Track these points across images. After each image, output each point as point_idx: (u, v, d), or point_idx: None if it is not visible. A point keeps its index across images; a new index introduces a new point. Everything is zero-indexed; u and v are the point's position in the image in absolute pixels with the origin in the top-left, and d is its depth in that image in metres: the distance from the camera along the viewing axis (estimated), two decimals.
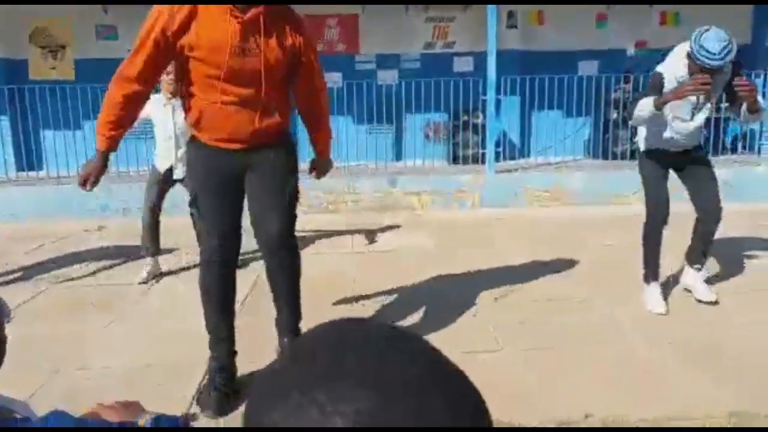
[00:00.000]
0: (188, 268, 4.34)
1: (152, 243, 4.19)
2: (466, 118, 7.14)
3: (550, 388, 2.48)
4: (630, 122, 3.42)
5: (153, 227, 4.18)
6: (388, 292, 3.72)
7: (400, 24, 7.84)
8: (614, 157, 6.94)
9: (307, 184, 6.37)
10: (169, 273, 4.28)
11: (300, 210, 6.12)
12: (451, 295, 3.64)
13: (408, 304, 3.52)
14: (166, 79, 3.92)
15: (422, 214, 6.15)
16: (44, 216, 5.95)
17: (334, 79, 7.55)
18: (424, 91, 6.94)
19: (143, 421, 1.05)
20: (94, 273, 4.33)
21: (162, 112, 4.06)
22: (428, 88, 6.92)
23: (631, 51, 7.80)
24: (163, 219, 4.23)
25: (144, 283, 4.06)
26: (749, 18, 7.86)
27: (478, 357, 2.79)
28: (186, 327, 3.23)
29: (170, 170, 4.12)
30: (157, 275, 4.21)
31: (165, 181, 4.16)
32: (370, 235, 5.20)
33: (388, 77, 7.80)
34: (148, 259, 4.20)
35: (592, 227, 5.32)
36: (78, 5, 7.35)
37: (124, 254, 4.82)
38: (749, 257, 4.27)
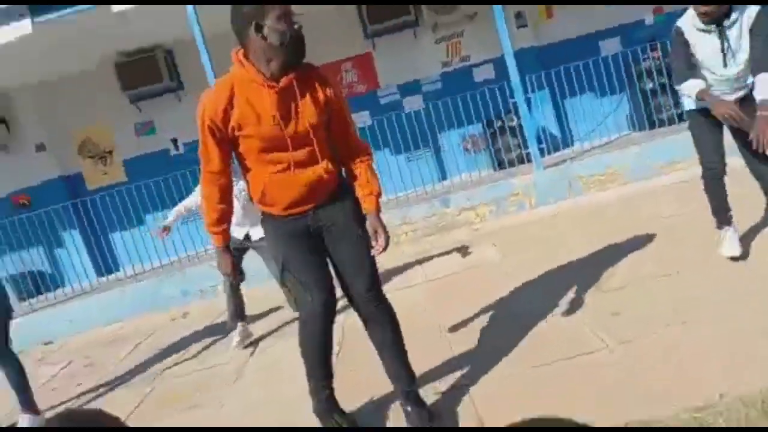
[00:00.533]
0: (274, 334, 4.47)
1: (238, 310, 4.40)
2: (500, 123, 7.14)
3: (670, 375, 2.43)
4: (678, 89, 3.38)
5: (236, 296, 4.40)
6: (474, 315, 3.73)
7: (412, 50, 7.97)
8: (661, 124, 6.79)
9: None
10: (260, 338, 4.41)
11: None
12: (534, 303, 3.62)
13: (498, 323, 3.51)
14: None
15: (481, 227, 6.14)
16: (133, 315, 6.24)
17: (362, 118, 7.73)
18: (452, 107, 7.01)
19: None
20: (190, 359, 4.49)
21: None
22: (455, 103, 6.98)
23: (650, 19, 7.68)
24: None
25: (240, 347, 4.28)
26: None
27: (585, 360, 2.76)
28: (295, 392, 3.31)
29: (247, 237, 4.35)
30: (251, 340, 4.39)
31: (240, 250, 4.35)
32: (463, 250, 5.27)
33: (413, 103, 7.91)
34: (238, 327, 4.39)
35: (654, 200, 5.20)
36: (113, 109, 7.81)
37: (212, 334, 4.99)
38: None
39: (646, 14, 7.73)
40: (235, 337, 4.39)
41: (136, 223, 7.02)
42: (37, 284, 7.24)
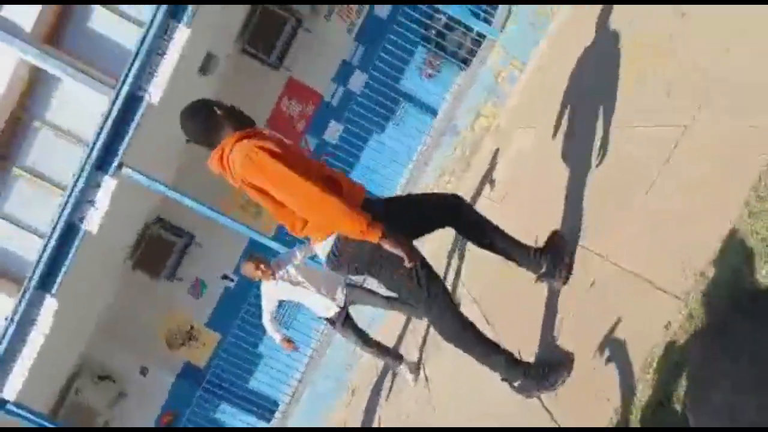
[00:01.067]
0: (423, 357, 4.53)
1: (388, 351, 4.66)
2: (434, 30, 6.88)
3: None
4: None
5: (376, 346, 4.65)
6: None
7: None
8: None
9: None
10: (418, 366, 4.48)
11: None
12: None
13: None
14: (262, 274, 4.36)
15: (497, 123, 5.95)
16: None
17: None
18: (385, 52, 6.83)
19: None
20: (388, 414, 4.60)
21: (288, 287, 4.44)
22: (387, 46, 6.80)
23: None
24: None
25: (416, 378, 4.41)
26: None
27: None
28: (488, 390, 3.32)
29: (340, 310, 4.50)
30: (419, 366, 4.52)
31: (343, 317, 4.52)
32: (491, 183, 5.09)
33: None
34: (402, 365, 4.57)
35: None
36: None
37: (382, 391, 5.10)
38: None
39: None
40: (406, 374, 4.52)
41: None
42: None
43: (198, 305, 8.24)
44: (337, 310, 4.46)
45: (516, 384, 2.58)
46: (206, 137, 2.52)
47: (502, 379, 2.63)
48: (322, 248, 2.54)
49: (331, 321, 4.54)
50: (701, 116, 2.34)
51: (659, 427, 1.80)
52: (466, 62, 6.91)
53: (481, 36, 6.38)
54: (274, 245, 6.20)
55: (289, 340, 4.77)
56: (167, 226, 7.77)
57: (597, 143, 3.08)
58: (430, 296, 2.53)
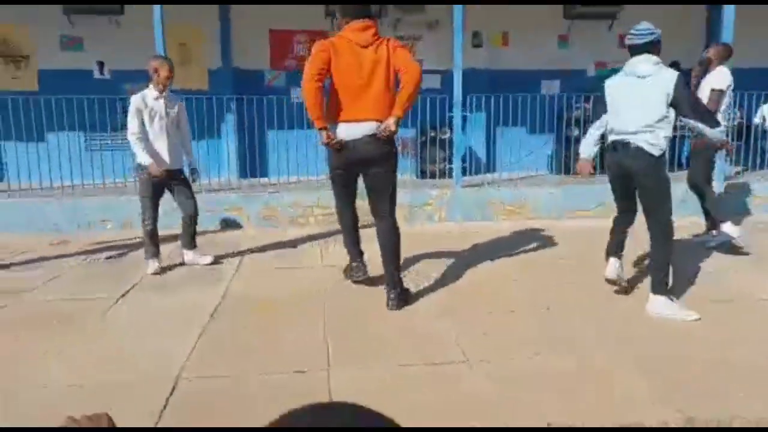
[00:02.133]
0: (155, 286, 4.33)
1: (155, 246, 4.58)
2: (433, 133, 7.27)
3: (513, 398, 2.57)
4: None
5: (155, 234, 4.59)
6: (358, 305, 3.78)
7: None
8: (576, 173, 7.15)
9: (277, 197, 6.42)
10: (134, 286, 4.25)
11: (270, 223, 6.18)
12: (418, 308, 3.72)
13: (375, 319, 3.58)
14: (167, 76, 4.44)
15: None
16: (5, 230, 5.82)
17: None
18: None
19: None
20: (57, 288, 4.26)
21: (157, 106, 4.48)
22: None
23: (591, 71, 8.10)
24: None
25: (157, 273, 4.51)
26: (703, 40, 8.25)
27: (442, 369, 2.87)
28: (151, 344, 3.22)
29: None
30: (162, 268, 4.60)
31: (162, 182, 4.53)
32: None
33: None
34: (151, 261, 4.56)
35: (555, 240, 5.48)
36: (41, 14, 7.27)
37: (87, 268, 4.77)
38: (707, 269, 4.48)
39: (589, 65, 8.15)
40: (150, 267, 4.56)
41: (36, 138, 6.53)
42: None
43: (55, 53, 7.41)
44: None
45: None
46: None
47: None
48: None
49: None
50: None
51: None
52: (423, 174, 7.24)
53: (450, 174, 6.78)
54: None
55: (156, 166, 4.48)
56: None
57: None
58: None
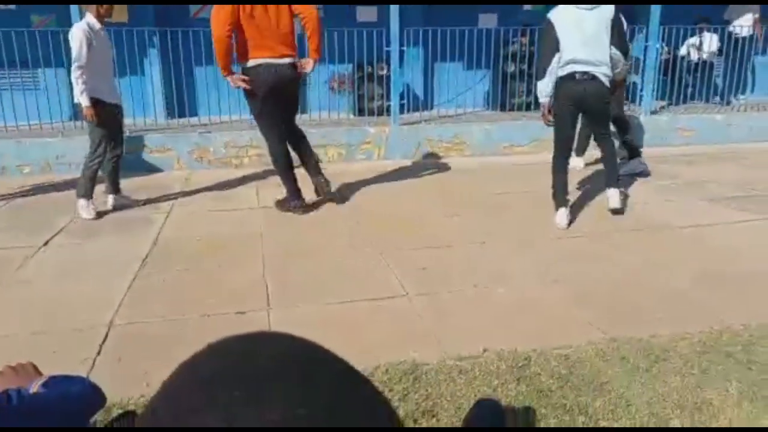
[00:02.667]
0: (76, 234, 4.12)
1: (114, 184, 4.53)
2: (370, 69, 7.10)
3: (453, 326, 2.65)
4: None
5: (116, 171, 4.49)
6: (296, 245, 3.75)
7: None
8: (511, 108, 7.23)
9: (208, 138, 6.17)
10: (56, 235, 4.03)
11: (201, 164, 5.98)
12: (358, 247, 3.72)
13: (315, 254, 3.56)
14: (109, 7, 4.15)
15: (328, 167, 6.12)
16: None
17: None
18: (327, 41, 6.78)
19: (36, 386, 1.02)
20: None
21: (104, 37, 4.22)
22: (331, 38, 6.77)
23: (527, 5, 8.05)
24: None
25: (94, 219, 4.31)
26: None
27: (384, 303, 2.91)
28: (80, 292, 3.09)
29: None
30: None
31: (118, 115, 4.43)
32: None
33: None
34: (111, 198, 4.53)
35: (491, 176, 5.58)
36: None
37: (6, 215, 4.47)
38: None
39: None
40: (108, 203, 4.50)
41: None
42: None
43: None
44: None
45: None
46: None
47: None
48: None
49: None
50: None
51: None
52: (361, 111, 7.13)
53: (387, 111, 6.71)
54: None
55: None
56: None
57: None
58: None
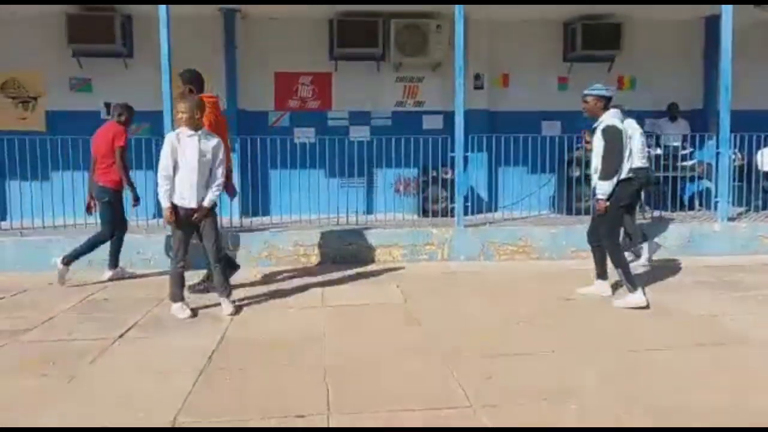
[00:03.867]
0: (151, 327, 4.28)
1: (180, 290, 4.50)
2: (435, 173, 7.32)
3: None
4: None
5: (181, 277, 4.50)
6: (358, 347, 3.72)
7: (371, 82, 8.11)
8: (577, 212, 7.16)
9: (279, 236, 6.41)
10: (132, 327, 4.20)
11: (270, 262, 6.17)
12: (420, 352, 3.65)
13: (377, 358, 3.51)
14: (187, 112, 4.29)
15: (392, 266, 6.18)
16: (9, 268, 5.80)
17: (307, 134, 7.74)
18: (395, 147, 7.12)
19: None
20: (54, 328, 4.21)
21: (191, 144, 4.32)
22: (399, 144, 7.10)
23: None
24: None
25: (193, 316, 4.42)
26: (701, 85, 8.38)
27: (445, 414, 2.80)
28: (147, 387, 3.16)
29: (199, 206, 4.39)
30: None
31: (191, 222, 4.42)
32: None
33: (359, 132, 8.00)
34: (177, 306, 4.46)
35: (554, 280, 5.43)
36: (52, 58, 7.44)
37: (86, 308, 4.72)
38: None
39: None
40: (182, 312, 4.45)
41: (40, 177, 6.58)
42: None
43: (64, 94, 7.53)
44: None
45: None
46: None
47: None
48: None
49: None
50: None
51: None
52: (425, 213, 7.27)
53: (451, 213, 6.80)
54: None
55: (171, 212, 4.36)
56: (125, 25, 7.30)
57: None
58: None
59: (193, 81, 4.90)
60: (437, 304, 4.73)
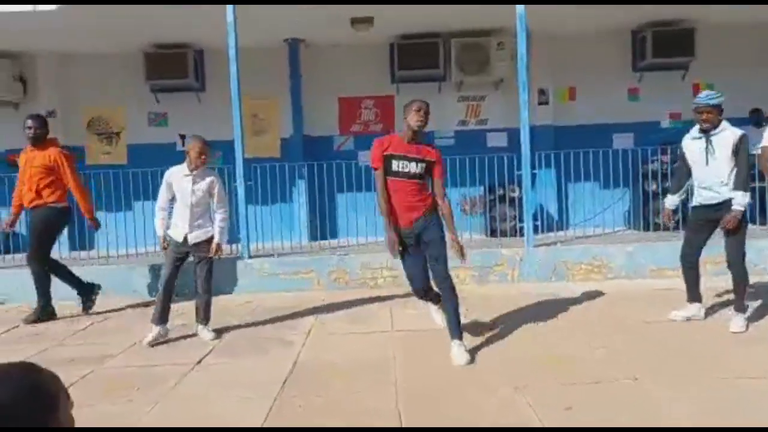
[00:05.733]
0: (224, 351, 4.39)
1: (164, 312, 4.61)
2: (502, 191, 7.18)
3: None
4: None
5: (167, 299, 4.63)
6: (429, 374, 3.66)
7: (433, 103, 8.06)
8: (656, 228, 6.81)
9: (346, 260, 6.44)
10: (209, 352, 4.32)
11: (339, 285, 6.14)
12: (493, 380, 3.55)
13: (447, 385, 3.44)
14: (197, 156, 4.52)
15: (462, 289, 6.07)
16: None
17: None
18: (459, 166, 7.05)
19: None
20: (137, 354, 4.40)
21: (184, 182, 4.58)
22: (463, 163, 7.03)
23: (665, 122, 7.83)
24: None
25: (152, 345, 4.49)
26: None
27: None
28: (225, 413, 3.23)
29: (185, 239, 4.58)
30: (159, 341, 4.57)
31: (180, 253, 4.61)
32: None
33: None
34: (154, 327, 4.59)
35: (633, 302, 5.17)
36: (133, 94, 7.92)
37: (177, 333, 4.90)
38: None
39: (663, 117, 7.89)
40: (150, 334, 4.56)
41: (124, 207, 6.97)
42: (7, 243, 7.12)
43: (143, 128, 8.00)
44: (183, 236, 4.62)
45: None
46: None
47: None
48: None
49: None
50: None
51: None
52: (493, 232, 7.13)
53: (520, 233, 6.64)
54: (239, 161, 6.12)
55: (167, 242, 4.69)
56: (197, 60, 7.69)
57: None
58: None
59: (45, 125, 5.35)
60: (508, 330, 4.59)
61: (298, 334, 4.69)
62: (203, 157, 4.52)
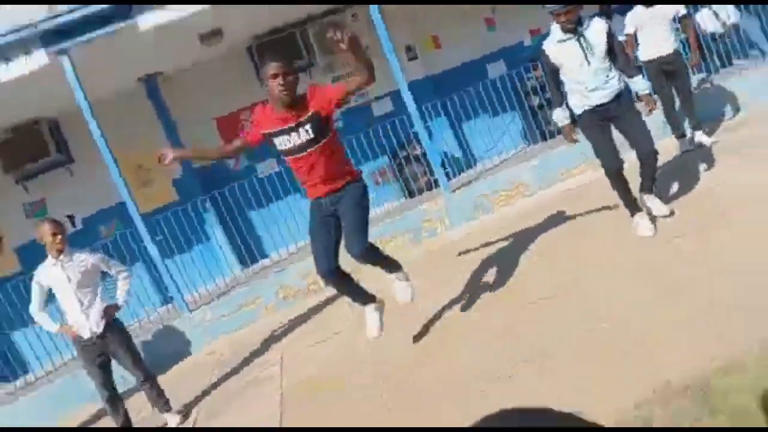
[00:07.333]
0: None
1: (122, 415, 4.19)
2: (405, 153, 7.29)
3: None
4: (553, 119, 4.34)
5: (118, 401, 4.19)
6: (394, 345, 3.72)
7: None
8: (551, 136, 7.18)
9: (284, 273, 6.29)
10: None
11: (288, 301, 5.94)
12: (449, 321, 3.66)
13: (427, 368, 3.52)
14: (52, 239, 3.97)
15: (401, 256, 6.13)
16: None
17: (268, 162, 7.67)
18: (356, 144, 7.05)
19: None
20: None
21: (53, 272, 4.05)
22: (359, 140, 7.04)
23: (528, 41, 8.20)
24: None
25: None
26: None
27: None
28: None
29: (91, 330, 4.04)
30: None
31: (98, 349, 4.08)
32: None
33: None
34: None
35: (560, 205, 5.46)
36: None
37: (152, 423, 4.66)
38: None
39: (525, 36, 8.24)
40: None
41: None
42: None
43: (23, 225, 7.35)
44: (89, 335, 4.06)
45: None
46: None
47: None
48: None
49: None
50: None
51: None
52: (411, 193, 7.25)
53: (436, 184, 6.80)
54: (138, 222, 5.84)
55: (70, 327, 4.10)
56: (54, 132, 7.16)
57: None
58: None
59: None
60: (452, 275, 4.72)
61: (270, 366, 4.61)
62: (59, 237, 3.99)
